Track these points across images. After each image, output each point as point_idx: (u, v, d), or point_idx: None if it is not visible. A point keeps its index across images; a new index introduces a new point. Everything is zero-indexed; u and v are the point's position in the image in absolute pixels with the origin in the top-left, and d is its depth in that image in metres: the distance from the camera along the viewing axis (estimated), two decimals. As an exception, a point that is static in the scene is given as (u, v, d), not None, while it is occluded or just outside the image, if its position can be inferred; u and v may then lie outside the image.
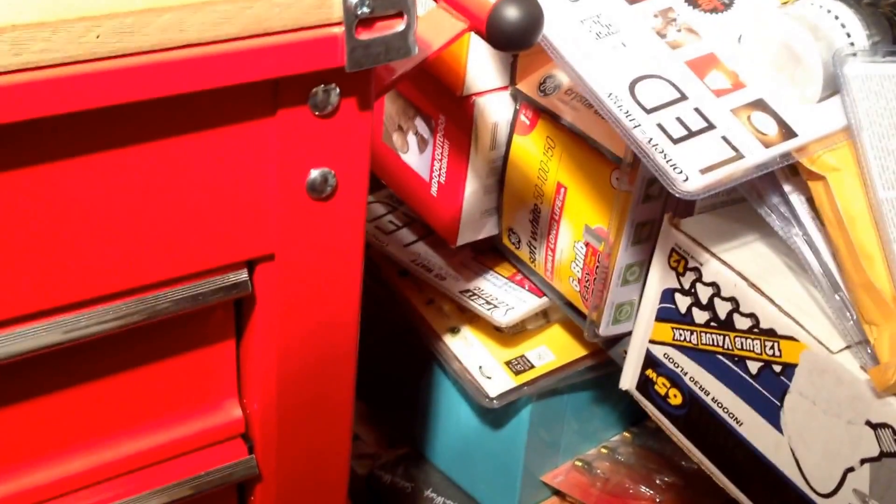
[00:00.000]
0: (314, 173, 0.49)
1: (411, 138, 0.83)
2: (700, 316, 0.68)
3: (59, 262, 0.45)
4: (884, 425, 0.58)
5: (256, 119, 0.46)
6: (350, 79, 0.46)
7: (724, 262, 0.66)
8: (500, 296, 0.87)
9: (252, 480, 0.60)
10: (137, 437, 0.55)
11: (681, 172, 0.60)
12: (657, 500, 0.95)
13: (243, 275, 0.51)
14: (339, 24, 0.44)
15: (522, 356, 0.89)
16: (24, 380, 0.50)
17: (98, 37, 0.39)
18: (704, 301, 0.67)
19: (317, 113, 0.47)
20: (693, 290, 0.68)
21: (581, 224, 0.75)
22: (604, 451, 1.00)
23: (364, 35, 0.44)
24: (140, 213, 0.46)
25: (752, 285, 0.64)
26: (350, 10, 0.43)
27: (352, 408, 0.60)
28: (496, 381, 0.86)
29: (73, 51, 0.39)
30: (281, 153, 0.48)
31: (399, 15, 0.45)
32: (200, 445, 0.57)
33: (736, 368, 0.66)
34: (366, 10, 0.44)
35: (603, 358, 0.87)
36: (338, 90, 0.47)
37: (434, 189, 0.82)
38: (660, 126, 0.62)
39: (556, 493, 0.97)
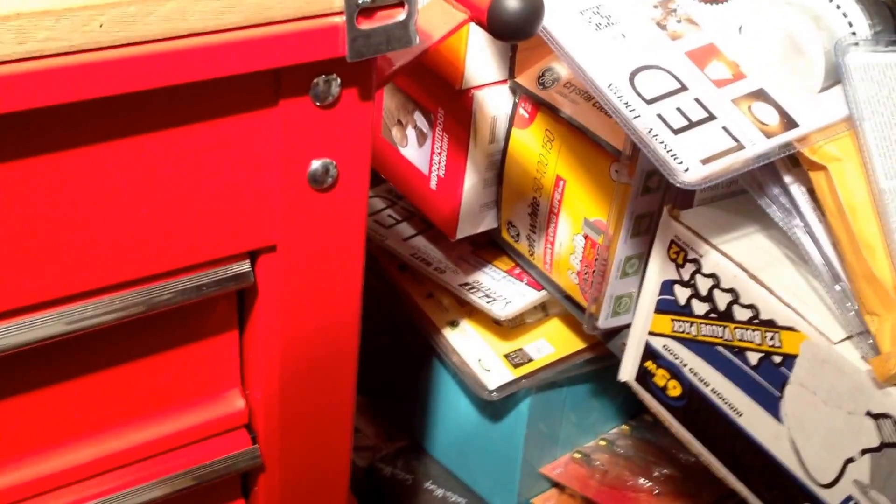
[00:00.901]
0: (315, 164, 0.49)
1: (410, 132, 0.83)
2: (700, 307, 0.68)
3: (61, 252, 0.45)
4: (884, 416, 0.58)
5: (258, 109, 0.46)
6: (351, 69, 0.46)
7: (724, 254, 0.66)
8: (499, 289, 0.87)
9: (255, 471, 0.60)
10: (141, 428, 0.55)
11: (681, 163, 0.60)
12: (655, 491, 0.95)
13: (246, 266, 0.51)
14: (340, 13, 0.44)
15: (521, 349, 0.89)
16: (28, 370, 0.50)
17: (101, 25, 0.39)
18: (704, 292, 0.67)
19: (318, 103, 0.47)
20: (693, 282, 0.68)
21: (580, 217, 0.75)
22: (602, 443, 1.00)
23: (365, 25, 0.44)
24: (142, 204, 0.46)
25: (752, 276, 0.64)
26: (351, -1, 0.44)
27: (354, 398, 0.60)
28: (495, 374, 0.86)
29: (76, 39, 0.38)
30: (282, 144, 0.48)
31: (400, 4, 0.45)
32: (204, 436, 0.57)
33: (736, 359, 0.66)
34: (367, -2, 0.44)
35: (601, 351, 0.87)
36: (339, 80, 0.47)
37: (433, 183, 0.82)
38: (660, 116, 0.62)
39: (555, 485, 0.98)
